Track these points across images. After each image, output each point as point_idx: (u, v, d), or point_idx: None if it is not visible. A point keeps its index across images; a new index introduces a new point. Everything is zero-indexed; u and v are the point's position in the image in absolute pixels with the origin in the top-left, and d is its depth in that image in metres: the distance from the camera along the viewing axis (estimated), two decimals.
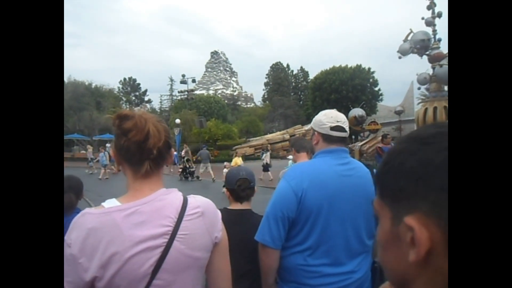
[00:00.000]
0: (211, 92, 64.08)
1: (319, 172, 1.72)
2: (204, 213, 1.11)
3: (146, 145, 1.06)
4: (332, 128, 1.81)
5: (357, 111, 20.68)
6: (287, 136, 30.04)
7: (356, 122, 19.59)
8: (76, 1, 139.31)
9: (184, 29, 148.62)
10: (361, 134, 22.12)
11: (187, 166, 16.27)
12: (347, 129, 1.85)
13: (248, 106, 65.57)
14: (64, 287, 0.98)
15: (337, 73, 38.32)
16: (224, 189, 2.13)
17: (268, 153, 16.12)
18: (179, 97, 47.06)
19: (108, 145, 21.05)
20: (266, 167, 15.27)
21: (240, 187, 2.00)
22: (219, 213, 1.18)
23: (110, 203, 1.05)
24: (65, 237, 1.00)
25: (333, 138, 1.81)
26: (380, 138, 12.04)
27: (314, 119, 1.91)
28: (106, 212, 1.01)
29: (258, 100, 72.18)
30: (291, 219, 1.67)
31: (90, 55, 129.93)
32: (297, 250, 1.69)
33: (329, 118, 1.84)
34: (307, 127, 27.65)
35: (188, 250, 1.05)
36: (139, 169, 1.08)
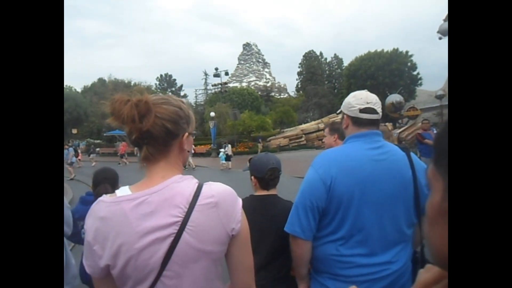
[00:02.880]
0: (244, 84, 64.28)
1: (348, 158, 1.62)
2: (219, 203, 1.02)
3: (128, 129, 1.02)
4: (362, 110, 1.69)
5: (395, 97, 19.88)
6: (322, 126, 29.55)
7: (393, 109, 18.85)
8: (113, 2, 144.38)
9: (215, 23, 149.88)
10: (400, 121, 21.25)
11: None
12: (379, 110, 1.71)
13: (282, 96, 65.12)
14: (86, 269, 1.03)
15: (373, 59, 37.02)
16: (253, 178, 2.09)
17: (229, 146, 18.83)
18: (213, 91, 47.67)
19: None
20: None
21: (270, 176, 2.01)
22: (239, 203, 1.08)
23: (122, 191, 1.03)
24: (85, 222, 1.04)
25: (363, 121, 1.69)
26: (420, 124, 11.49)
27: (343, 102, 1.80)
28: (116, 201, 1.00)
29: (291, 90, 71.51)
30: (321, 208, 1.59)
31: (128, 53, 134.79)
32: (329, 239, 1.62)
33: (358, 99, 1.71)
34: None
35: (198, 243, 0.98)
36: (140, 154, 1.06)
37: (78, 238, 2.63)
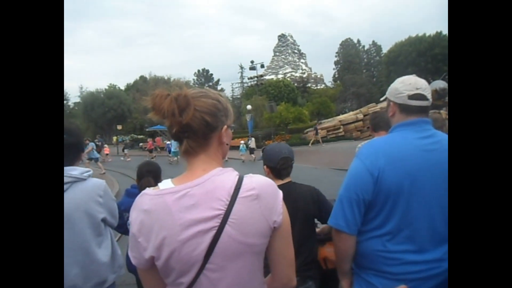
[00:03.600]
0: (280, 76, 63.81)
1: (397, 148, 1.52)
2: (260, 195, 1.01)
3: (169, 123, 1.04)
4: (411, 97, 1.57)
5: (438, 84, 18.77)
6: (360, 116, 28.71)
7: (437, 96, 17.81)
8: (149, 1, 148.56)
9: (248, 15, 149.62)
10: (444, 109, 20.13)
11: None
12: (429, 96, 1.59)
13: (318, 87, 63.93)
14: (131, 260, 1.06)
15: (414, 44, 35.30)
16: (265, 167, 2.16)
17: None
18: (249, 84, 47.83)
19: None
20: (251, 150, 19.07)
21: (282, 166, 2.07)
22: (280, 195, 1.07)
23: (165, 185, 1.04)
24: (130, 214, 1.07)
25: (412, 108, 1.57)
26: None
27: (389, 88, 1.69)
28: (159, 194, 1.01)
29: (328, 80, 69.93)
30: (367, 201, 1.51)
31: (167, 50, 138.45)
32: (375, 234, 1.54)
33: (406, 85, 1.60)
34: (383, 104, 26.06)
35: (240, 236, 0.98)
36: (181, 148, 1.07)
37: (124, 229, 2.73)
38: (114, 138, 29.27)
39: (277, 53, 76.56)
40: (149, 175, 2.80)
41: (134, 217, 1.03)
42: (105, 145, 25.82)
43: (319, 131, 26.26)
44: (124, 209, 2.63)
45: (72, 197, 1.86)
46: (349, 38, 69.16)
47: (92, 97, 40.76)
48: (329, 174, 12.28)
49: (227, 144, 1.13)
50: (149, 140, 26.55)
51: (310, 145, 25.13)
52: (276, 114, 30.28)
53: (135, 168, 2.96)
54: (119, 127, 37.79)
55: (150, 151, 25.09)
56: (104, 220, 1.98)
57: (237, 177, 1.04)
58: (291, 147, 2.33)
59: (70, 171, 1.89)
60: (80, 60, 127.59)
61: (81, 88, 48.06)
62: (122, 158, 24.02)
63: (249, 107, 28.54)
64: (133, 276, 2.75)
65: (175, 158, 19.67)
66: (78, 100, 47.84)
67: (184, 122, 1.02)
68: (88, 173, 1.97)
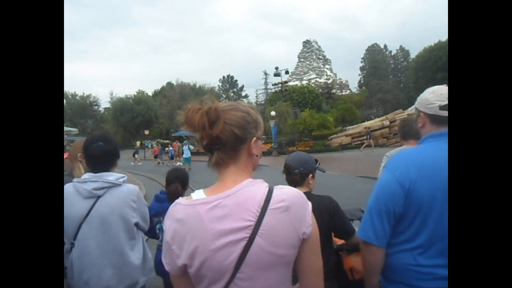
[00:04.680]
0: (304, 82, 63.54)
1: (428, 159, 1.49)
2: (290, 207, 1.02)
3: (200, 136, 1.07)
4: (442, 107, 1.54)
5: None
6: (386, 123, 28.11)
7: None
8: (178, 9, 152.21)
9: (274, 22, 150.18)
10: None
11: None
12: None
13: (343, 93, 63.14)
14: (164, 266, 1.10)
15: (444, 48, 34.24)
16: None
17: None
18: (273, 90, 47.92)
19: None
20: None
21: (286, 174, 2.18)
22: (309, 206, 1.08)
23: (197, 195, 1.08)
24: (164, 223, 1.11)
25: (444, 119, 1.54)
26: None
27: (419, 98, 1.66)
28: (192, 204, 1.05)
29: (353, 86, 68.99)
30: (397, 213, 1.49)
31: (193, 57, 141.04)
32: (406, 247, 1.50)
33: (437, 95, 1.57)
34: (410, 111, 25.42)
35: (271, 247, 1.00)
36: (211, 159, 1.10)
37: (153, 233, 2.84)
38: (138, 142, 30.02)
39: (302, 59, 76.34)
40: (177, 181, 2.90)
41: (168, 225, 1.07)
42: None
43: (371, 135, 25.38)
44: (153, 213, 2.72)
45: (108, 202, 1.97)
46: (376, 43, 68.15)
47: (121, 102, 42.07)
48: (353, 181, 12.08)
49: (257, 156, 1.15)
50: (155, 146, 27.10)
51: (361, 149, 24.60)
52: (300, 121, 30.14)
53: (162, 173, 3.08)
54: (146, 132, 38.74)
55: (156, 156, 25.90)
56: (136, 224, 2.07)
57: (267, 188, 1.05)
58: (312, 154, 2.36)
59: (107, 177, 2.00)
60: (111, 67, 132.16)
61: (111, 94, 49.82)
62: (132, 163, 24.42)
63: (273, 113, 28.58)
64: (160, 279, 2.84)
65: (187, 165, 19.27)
66: (108, 105, 49.43)
67: (214, 135, 1.05)
68: (123, 178, 2.07)
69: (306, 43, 78.19)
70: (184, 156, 20.22)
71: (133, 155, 26.22)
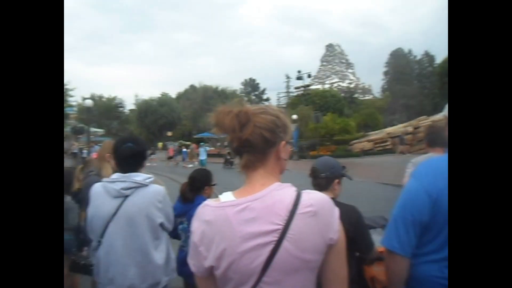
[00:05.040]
0: (326, 86, 63.00)
1: None
2: (318, 212, 1.02)
3: (230, 138, 1.08)
4: None
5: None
6: (410, 129, 27.48)
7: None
8: (201, 13, 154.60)
9: (296, 26, 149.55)
10: None
11: (228, 157, 22.04)
12: None
13: (366, 98, 62.17)
14: (190, 267, 1.11)
15: None
16: None
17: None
18: (295, 94, 47.80)
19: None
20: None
21: (312, 177, 2.15)
22: (336, 213, 1.08)
23: (226, 197, 1.09)
24: (191, 224, 1.13)
25: None
26: None
27: (448, 105, 1.65)
28: (220, 206, 1.06)
29: (377, 91, 67.76)
30: (424, 223, 1.45)
31: (216, 61, 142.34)
32: (432, 259, 1.47)
33: None
34: (435, 117, 24.75)
35: (298, 252, 1.00)
36: (241, 162, 1.12)
37: (176, 233, 2.89)
38: (160, 144, 30.55)
39: (324, 63, 75.79)
40: (196, 182, 2.95)
41: (196, 226, 1.08)
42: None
43: (404, 139, 24.95)
44: (176, 214, 2.78)
45: (135, 201, 2.03)
46: (400, 48, 66.75)
47: (145, 104, 43.05)
48: (375, 188, 11.86)
49: (285, 159, 1.15)
50: (170, 146, 27.54)
51: (398, 153, 24.23)
52: (322, 125, 29.90)
53: (183, 174, 3.12)
54: (169, 133, 39.41)
55: (170, 157, 26.17)
56: (161, 225, 2.12)
57: (296, 192, 1.05)
58: (335, 158, 2.34)
59: (135, 177, 2.06)
60: (137, 70, 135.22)
61: (136, 96, 51.05)
62: (148, 164, 25.06)
63: (294, 117, 28.48)
64: (181, 279, 2.89)
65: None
66: (133, 107, 50.58)
67: (244, 137, 1.06)
68: (150, 179, 2.13)
69: (329, 47, 77.60)
70: (200, 158, 20.60)
71: (150, 155, 26.86)
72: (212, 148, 34.18)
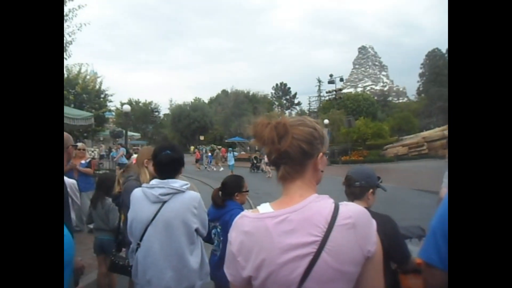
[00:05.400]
0: (359, 89, 61.86)
1: None
2: (356, 224, 1.02)
3: (268, 150, 1.10)
4: None
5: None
6: (447, 133, 26.31)
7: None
8: (233, 19, 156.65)
9: (328, 29, 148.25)
10: None
11: (255, 162, 23.08)
12: None
13: (400, 101, 60.40)
14: (227, 277, 1.13)
15: None
16: None
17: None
18: (326, 98, 47.29)
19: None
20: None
21: (345, 184, 2.14)
22: (374, 225, 1.08)
23: (264, 208, 1.11)
24: (228, 234, 1.15)
25: None
26: None
27: None
28: (259, 217, 1.08)
29: (411, 94, 65.60)
30: None
31: (248, 65, 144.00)
32: None
33: None
34: None
35: (336, 263, 1.00)
36: (278, 173, 1.13)
37: (209, 237, 2.96)
38: (192, 147, 31.22)
39: (357, 66, 74.48)
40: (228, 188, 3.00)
41: (234, 236, 1.10)
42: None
43: None
44: (209, 218, 2.85)
45: (172, 207, 2.12)
46: (437, 48, 64.33)
47: (179, 109, 44.23)
48: (410, 195, 11.46)
49: (322, 171, 1.15)
50: (197, 150, 27.94)
51: (442, 158, 23.56)
52: (354, 129, 29.35)
53: (215, 178, 3.17)
54: (202, 137, 40.18)
55: (197, 161, 26.55)
56: (196, 230, 2.19)
57: (333, 204, 1.05)
58: (365, 164, 2.33)
59: (172, 183, 2.15)
60: (172, 75, 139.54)
61: (171, 101, 52.57)
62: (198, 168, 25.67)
63: (326, 121, 28.18)
64: (212, 282, 2.95)
65: (230, 171, 19.41)
66: (167, 112, 52.10)
67: (282, 149, 1.07)
68: (186, 186, 2.22)
69: (362, 49, 76.20)
70: (228, 162, 20.79)
71: (196, 162, 27.48)
72: (242, 153, 34.51)
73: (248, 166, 23.81)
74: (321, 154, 1.13)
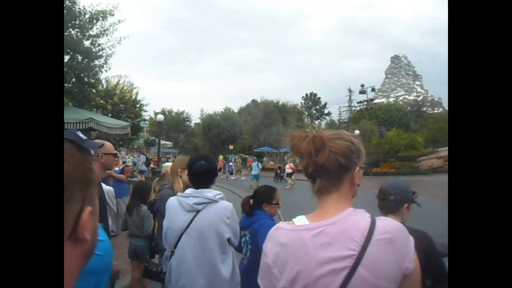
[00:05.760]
0: (391, 99, 60.41)
1: None
2: (394, 239, 1.00)
3: (305, 163, 1.10)
4: None
5: None
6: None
7: None
8: (263, 30, 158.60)
9: (359, 38, 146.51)
10: None
11: (279, 172, 23.52)
12: None
13: (435, 111, 58.27)
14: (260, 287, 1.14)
15: None
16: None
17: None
18: (357, 108, 46.56)
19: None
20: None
21: (378, 197, 2.08)
22: (412, 241, 1.05)
23: (300, 220, 1.11)
24: (263, 245, 1.16)
25: None
26: None
27: None
28: (295, 229, 1.08)
29: (447, 103, 63.14)
30: None
31: (277, 75, 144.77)
32: None
33: None
34: None
35: (373, 279, 0.98)
36: (314, 186, 1.13)
37: (239, 246, 2.99)
38: (221, 156, 31.57)
39: (389, 75, 72.91)
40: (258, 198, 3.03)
41: (269, 248, 1.11)
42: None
43: None
44: (241, 226, 2.88)
45: (206, 216, 2.17)
46: None
47: (209, 118, 44.98)
48: (445, 209, 10.96)
49: (358, 185, 1.15)
50: (220, 159, 27.78)
51: None
52: (386, 140, 28.60)
53: (243, 187, 3.18)
54: (231, 146, 40.58)
55: (219, 170, 26.45)
56: (228, 240, 2.23)
57: (370, 218, 1.04)
58: (398, 176, 2.27)
59: (206, 193, 2.21)
60: (203, 86, 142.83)
61: (202, 110, 53.53)
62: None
63: (356, 132, 27.67)
64: None
65: (255, 181, 18.78)
66: (198, 121, 53.13)
67: (319, 162, 1.07)
68: (219, 195, 2.27)
69: (395, 59, 74.64)
70: (252, 172, 20.03)
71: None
72: (271, 163, 34.51)
73: (272, 176, 23.96)
74: (357, 168, 1.13)
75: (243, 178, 21.76)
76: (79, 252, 0.57)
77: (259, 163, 21.13)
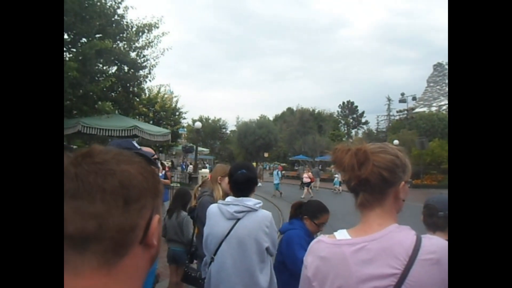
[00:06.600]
0: (433, 108, 57.74)
1: None
2: (441, 260, 0.94)
3: (347, 176, 1.07)
4: None
5: None
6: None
7: None
8: (300, 39, 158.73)
9: (399, 45, 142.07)
10: None
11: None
12: None
13: None
14: None
15: None
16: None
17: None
18: (397, 117, 45.05)
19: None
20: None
21: (425, 214, 1.99)
22: None
23: (341, 235, 1.10)
24: (304, 258, 1.16)
25: None
26: None
27: None
28: (337, 244, 1.06)
29: None
30: None
31: (313, 83, 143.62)
32: None
33: None
34: None
35: None
36: (357, 200, 1.10)
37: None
38: (254, 164, 31.56)
39: (432, 84, 69.98)
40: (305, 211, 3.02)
41: (310, 261, 1.11)
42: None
43: None
44: (280, 230, 2.88)
45: (246, 225, 2.21)
46: None
47: (245, 126, 45.44)
48: None
49: (403, 200, 1.11)
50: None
51: None
52: (427, 151, 27.35)
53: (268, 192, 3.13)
54: (266, 154, 40.67)
55: None
56: (267, 249, 2.25)
57: (415, 236, 1.00)
58: (440, 190, 2.15)
59: (246, 202, 2.25)
60: (239, 94, 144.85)
61: (238, 118, 54.51)
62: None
63: (396, 142, 26.76)
64: None
65: (277, 191, 18.73)
66: (234, 128, 53.94)
67: (362, 176, 1.04)
68: (259, 204, 2.30)
69: (438, 66, 71.58)
70: (274, 181, 19.46)
71: None
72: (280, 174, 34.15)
73: (289, 183, 24.27)
74: (403, 182, 1.10)
75: (260, 184, 20.89)
76: (148, 257, 0.62)
77: (279, 172, 20.62)
